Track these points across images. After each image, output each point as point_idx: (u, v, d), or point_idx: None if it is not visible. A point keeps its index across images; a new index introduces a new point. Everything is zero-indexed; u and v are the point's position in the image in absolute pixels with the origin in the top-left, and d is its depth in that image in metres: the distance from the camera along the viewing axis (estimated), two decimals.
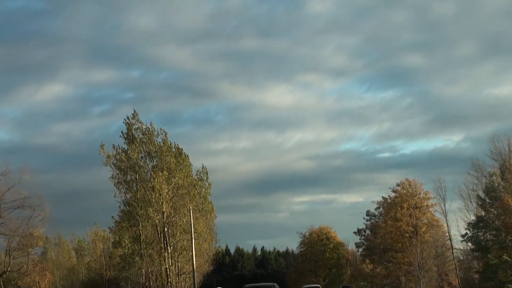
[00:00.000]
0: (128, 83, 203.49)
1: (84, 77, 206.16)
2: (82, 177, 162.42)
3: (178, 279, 62.50)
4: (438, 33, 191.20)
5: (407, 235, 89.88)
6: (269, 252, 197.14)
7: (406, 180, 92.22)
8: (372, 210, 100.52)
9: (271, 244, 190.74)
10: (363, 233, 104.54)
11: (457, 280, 66.40)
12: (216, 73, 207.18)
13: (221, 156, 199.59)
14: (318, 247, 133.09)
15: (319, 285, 69.61)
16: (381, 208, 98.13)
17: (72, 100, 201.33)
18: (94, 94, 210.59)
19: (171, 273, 60.05)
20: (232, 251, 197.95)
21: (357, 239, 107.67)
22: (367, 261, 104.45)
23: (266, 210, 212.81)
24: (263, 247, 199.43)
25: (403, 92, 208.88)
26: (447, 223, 59.30)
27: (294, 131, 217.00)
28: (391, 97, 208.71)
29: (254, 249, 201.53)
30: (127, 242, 59.33)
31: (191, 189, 63.31)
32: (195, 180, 66.02)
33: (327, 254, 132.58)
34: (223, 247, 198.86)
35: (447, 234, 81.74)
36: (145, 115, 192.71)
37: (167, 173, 60.30)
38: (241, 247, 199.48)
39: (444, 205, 59.76)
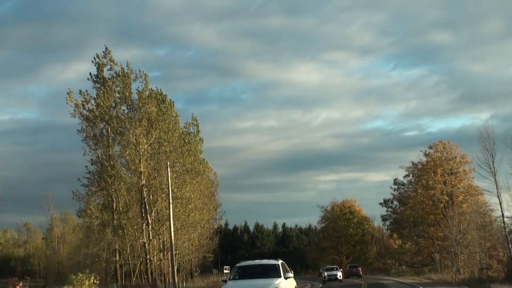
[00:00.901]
0: (154, 61, 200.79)
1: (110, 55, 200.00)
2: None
3: (163, 256, 50.98)
4: (465, 9, 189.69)
5: (441, 205, 77.50)
6: (291, 229, 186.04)
7: (440, 142, 79.58)
8: (400, 178, 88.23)
9: (297, 223, 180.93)
10: (390, 205, 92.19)
11: (507, 255, 53.96)
12: (242, 52, 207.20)
13: (247, 135, 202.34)
14: (340, 222, 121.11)
15: (337, 266, 63.29)
16: (410, 176, 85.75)
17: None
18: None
19: (151, 249, 48.50)
20: (251, 228, 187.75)
21: (383, 211, 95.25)
22: (395, 236, 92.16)
23: (293, 189, 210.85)
24: (284, 223, 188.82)
25: (430, 70, 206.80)
26: (496, 184, 46.35)
27: (320, 109, 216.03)
28: (417, 75, 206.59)
29: (275, 226, 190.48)
30: (94, 210, 47.71)
31: (178, 144, 51.75)
32: (183, 133, 54.05)
33: (351, 230, 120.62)
34: (241, 223, 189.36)
35: (490, 202, 69.43)
36: (171, 94, 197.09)
37: (146, 124, 48.72)
38: (260, 224, 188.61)
39: (493, 161, 46.56)
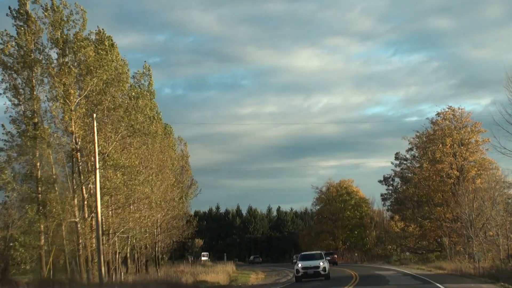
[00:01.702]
0: (154, 47, 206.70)
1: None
2: None
3: (105, 240, 40.12)
4: None
5: (450, 181, 66.78)
6: (285, 213, 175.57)
7: (449, 109, 68.55)
8: (403, 152, 77.25)
9: (293, 206, 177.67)
10: (391, 182, 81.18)
11: None
12: (242, 37, 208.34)
13: (248, 121, 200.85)
14: (337, 204, 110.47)
15: (320, 252, 44.96)
16: (414, 150, 74.85)
17: None
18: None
19: (86, 230, 37.62)
20: (244, 212, 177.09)
21: (383, 190, 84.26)
22: (397, 217, 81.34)
23: (293, 175, 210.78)
24: (279, 207, 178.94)
25: (430, 55, 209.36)
26: None
27: (321, 95, 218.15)
28: (418, 61, 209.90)
29: (269, 210, 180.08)
30: (8, 179, 36.82)
31: (123, 99, 40.87)
32: (133, 86, 42.91)
33: (348, 213, 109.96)
34: (233, 208, 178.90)
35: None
36: (171, 80, 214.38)
37: (76, 70, 37.77)
38: (254, 207, 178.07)
39: None
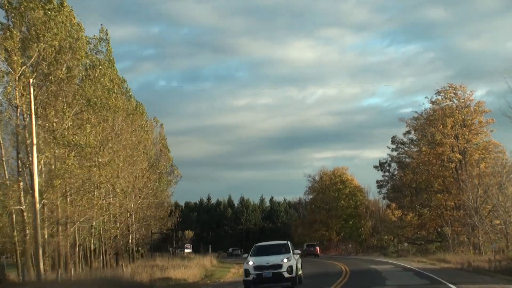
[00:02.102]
0: (149, 39, 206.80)
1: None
2: None
3: (57, 231, 34.76)
4: None
5: (452, 165, 61.44)
6: (279, 203, 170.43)
7: (450, 87, 62.98)
8: (400, 136, 71.88)
9: (286, 197, 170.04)
10: (387, 168, 75.79)
11: None
12: (237, 29, 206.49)
13: (243, 112, 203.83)
14: (330, 193, 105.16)
15: (287, 242, 30.38)
16: (412, 133, 69.52)
17: None
18: (115, 50, 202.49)
19: (30, 218, 32.08)
20: (236, 203, 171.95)
21: (379, 177, 78.80)
22: (393, 206, 75.95)
23: (288, 167, 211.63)
24: (272, 197, 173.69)
25: (425, 46, 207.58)
26: None
27: (316, 86, 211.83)
28: (413, 52, 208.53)
29: (262, 201, 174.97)
30: None
31: (80, 69, 35.32)
32: (90, 54, 37.27)
33: (342, 202, 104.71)
34: (225, 199, 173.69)
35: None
36: (166, 72, 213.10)
37: (19, 34, 32.24)
38: (246, 198, 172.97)
39: None
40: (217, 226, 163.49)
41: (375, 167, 76.57)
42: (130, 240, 53.39)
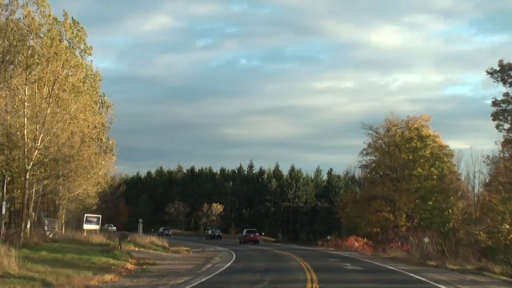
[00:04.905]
0: (231, 17, 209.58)
1: (187, 9, 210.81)
2: (183, 110, 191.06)
3: None
4: None
5: None
6: (338, 177, 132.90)
7: None
8: None
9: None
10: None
11: None
12: (321, 10, 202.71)
13: (324, 95, 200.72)
14: (401, 154, 68.04)
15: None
16: None
17: (176, 32, 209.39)
18: (198, 27, 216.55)
19: None
20: (285, 172, 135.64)
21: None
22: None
23: None
24: (330, 169, 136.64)
25: None
26: None
27: (399, 72, 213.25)
28: (501, 41, 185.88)
29: (317, 173, 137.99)
30: None
31: None
32: None
33: (419, 169, 67.47)
34: (270, 167, 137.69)
35: None
36: (249, 51, 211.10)
37: None
38: (297, 168, 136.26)
39: None
40: (259, 202, 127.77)
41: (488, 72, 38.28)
42: None
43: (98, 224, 42.82)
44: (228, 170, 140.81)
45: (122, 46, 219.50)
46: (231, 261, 33.93)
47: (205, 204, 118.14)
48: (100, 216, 43.90)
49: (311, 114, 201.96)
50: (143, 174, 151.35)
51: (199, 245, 57.13)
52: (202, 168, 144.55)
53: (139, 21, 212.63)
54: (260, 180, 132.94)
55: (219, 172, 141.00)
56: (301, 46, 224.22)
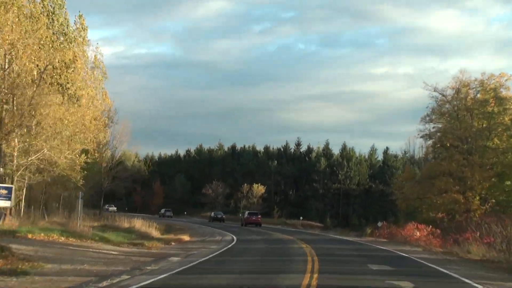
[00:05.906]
0: (288, 2, 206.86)
1: None
2: (239, 95, 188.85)
3: None
4: None
5: None
6: (395, 157, 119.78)
7: None
8: None
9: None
10: None
11: None
12: None
13: (381, 81, 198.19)
14: (473, 121, 55.00)
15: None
16: None
17: (232, 17, 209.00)
18: (254, 11, 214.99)
19: None
20: (335, 151, 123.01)
21: None
22: None
23: None
24: (386, 148, 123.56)
25: None
26: None
27: (458, 58, 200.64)
28: None
29: (372, 152, 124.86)
30: None
31: None
32: None
33: (496, 140, 54.32)
34: (319, 146, 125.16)
35: None
36: (305, 36, 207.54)
37: None
38: (350, 147, 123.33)
39: None
40: (307, 182, 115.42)
41: None
42: None
43: (10, 199, 29.63)
44: (273, 148, 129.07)
45: (179, 31, 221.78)
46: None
47: (245, 184, 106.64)
48: (13, 186, 30.91)
49: (366, 100, 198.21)
50: (182, 153, 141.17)
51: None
52: (244, 146, 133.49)
53: (195, 5, 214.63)
54: (307, 159, 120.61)
55: (262, 150, 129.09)
56: (357, 31, 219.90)
